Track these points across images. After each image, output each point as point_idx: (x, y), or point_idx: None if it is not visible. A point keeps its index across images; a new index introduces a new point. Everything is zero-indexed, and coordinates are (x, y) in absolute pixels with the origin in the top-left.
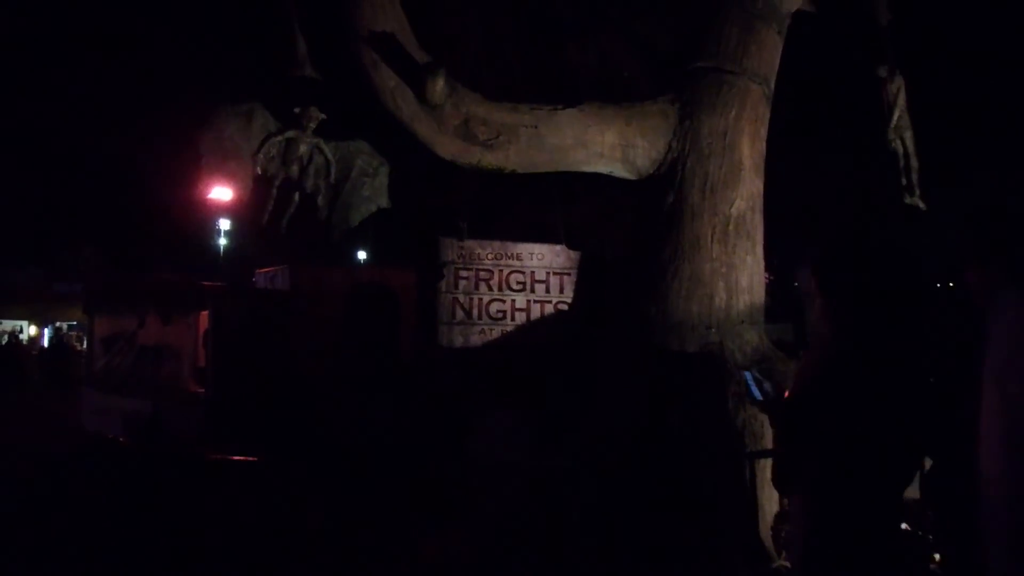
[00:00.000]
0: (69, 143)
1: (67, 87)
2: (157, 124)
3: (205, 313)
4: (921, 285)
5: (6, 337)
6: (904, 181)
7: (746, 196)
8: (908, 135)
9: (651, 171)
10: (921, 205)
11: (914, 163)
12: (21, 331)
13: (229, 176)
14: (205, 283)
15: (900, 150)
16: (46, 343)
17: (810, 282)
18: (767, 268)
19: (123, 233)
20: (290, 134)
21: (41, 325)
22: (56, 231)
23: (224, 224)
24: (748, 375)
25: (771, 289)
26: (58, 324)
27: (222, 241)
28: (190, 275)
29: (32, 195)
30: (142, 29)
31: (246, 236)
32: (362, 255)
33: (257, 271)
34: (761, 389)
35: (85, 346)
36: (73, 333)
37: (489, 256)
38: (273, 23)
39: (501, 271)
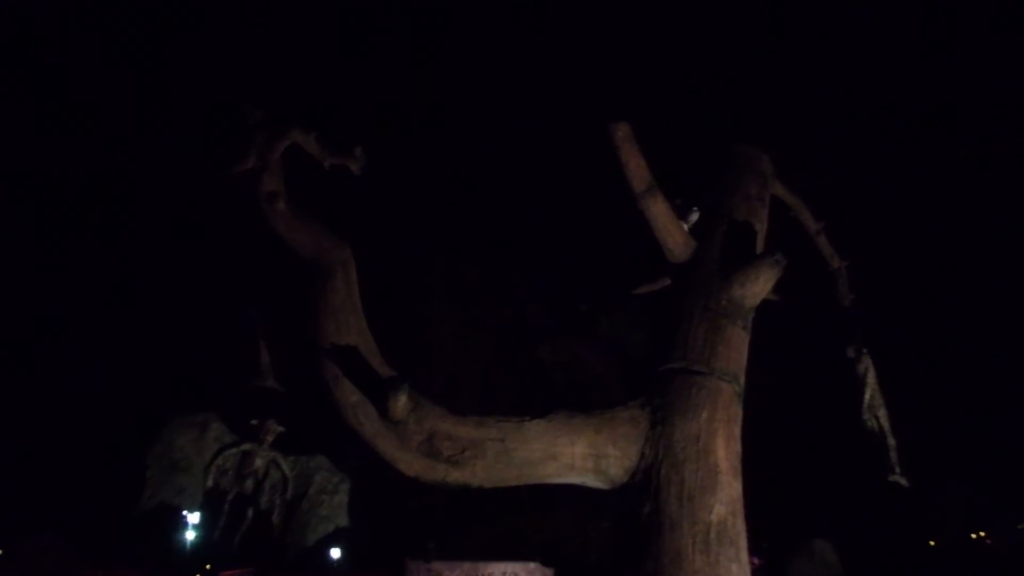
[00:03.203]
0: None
1: (28, 383)
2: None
3: None
4: None
5: None
6: (884, 459)
7: (725, 501)
8: (882, 413)
9: (625, 480)
10: (903, 482)
11: (891, 440)
12: None
13: (176, 491)
14: None
15: (876, 428)
16: None
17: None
18: (754, 552)
19: (87, 521)
20: (246, 447)
21: None
22: (16, 515)
23: (193, 517)
24: None
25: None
26: None
27: (189, 535)
28: (150, 573)
29: None
30: (100, 330)
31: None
32: (336, 553)
33: (221, 573)
34: None
35: None
36: None
37: None
38: (235, 333)
39: None
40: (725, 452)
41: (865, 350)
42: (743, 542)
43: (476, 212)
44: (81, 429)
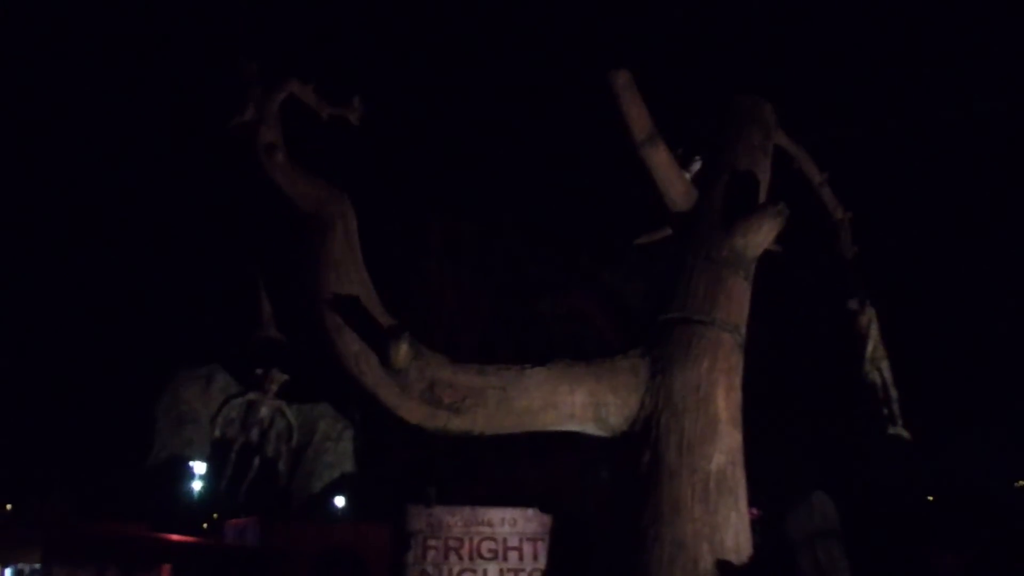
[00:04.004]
0: (40, 386)
1: (35, 342)
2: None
3: (168, 567)
4: None
5: None
6: (885, 411)
7: (725, 450)
8: (885, 365)
9: (624, 429)
10: (905, 435)
11: (893, 393)
12: None
13: (185, 443)
14: (168, 536)
15: (878, 381)
16: None
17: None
18: (753, 503)
19: (94, 476)
20: (251, 396)
21: (4, 565)
22: (23, 471)
23: (199, 467)
24: None
25: (757, 527)
26: (20, 566)
27: (196, 485)
28: (155, 524)
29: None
30: (103, 290)
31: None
32: (340, 501)
33: (227, 522)
34: None
35: None
36: None
37: (459, 524)
38: (237, 285)
39: (472, 539)
40: (725, 402)
41: (868, 302)
42: (742, 492)
43: (474, 165)
44: (87, 386)
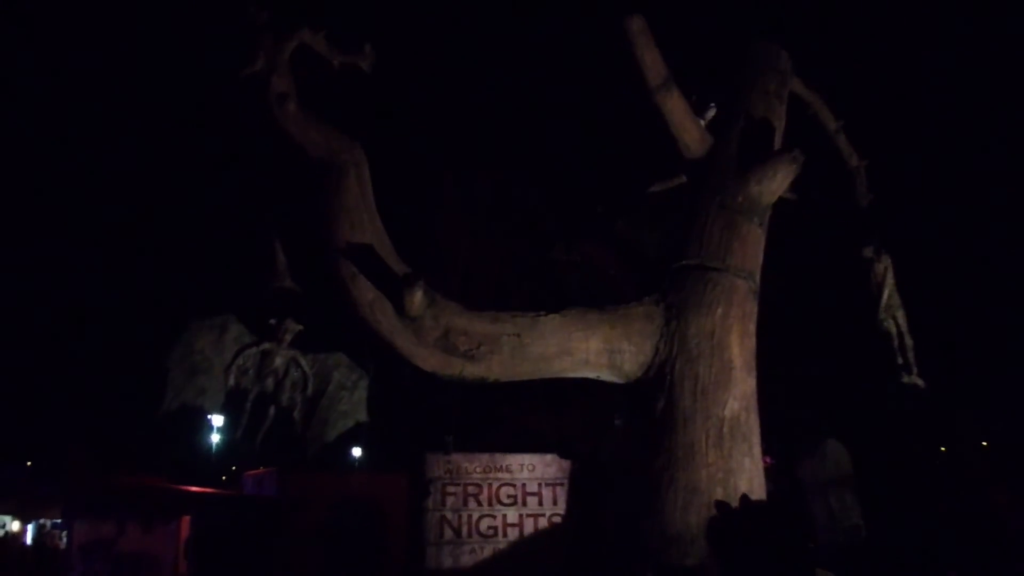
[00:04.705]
0: (56, 341)
1: (51, 295)
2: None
3: (187, 519)
4: None
5: None
6: (900, 360)
7: (739, 396)
8: (900, 314)
9: (639, 375)
10: (920, 383)
11: (908, 341)
12: (4, 526)
13: (198, 392)
14: (187, 488)
15: (893, 330)
16: (29, 540)
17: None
18: (766, 452)
19: (111, 431)
20: (265, 346)
21: (25, 521)
22: (42, 427)
23: (216, 420)
24: None
25: (771, 474)
26: (42, 521)
27: (214, 438)
28: (174, 477)
29: (18, 391)
30: (116, 241)
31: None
32: (357, 452)
33: (245, 474)
34: None
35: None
36: (56, 532)
37: (477, 470)
38: (251, 234)
39: (491, 485)
40: (739, 348)
41: (884, 250)
42: (756, 438)
43: (488, 114)
44: (100, 338)
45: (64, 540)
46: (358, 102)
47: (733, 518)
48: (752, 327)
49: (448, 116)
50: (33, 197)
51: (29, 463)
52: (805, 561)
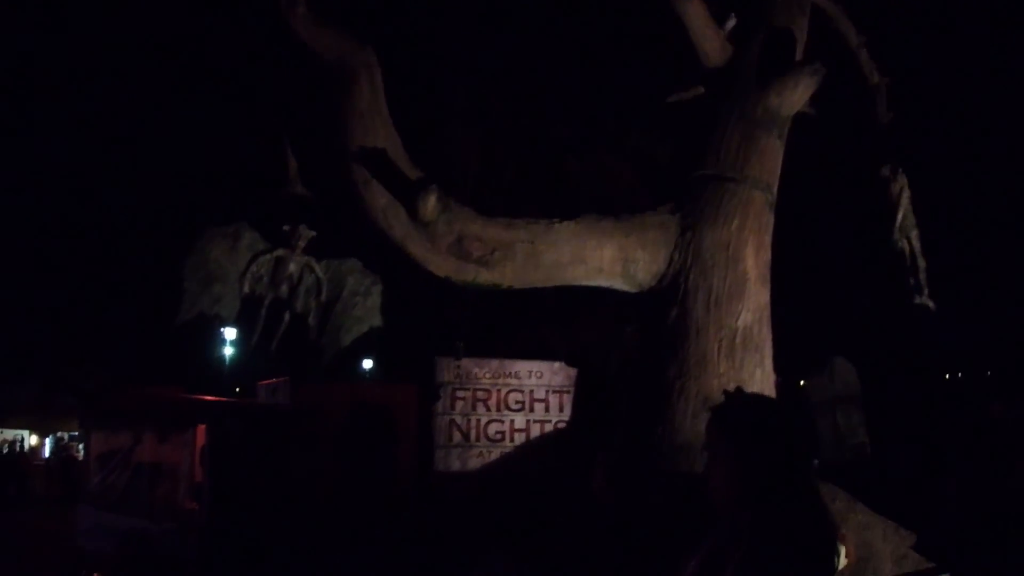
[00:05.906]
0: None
1: (64, 208)
2: (152, 240)
3: (202, 428)
4: None
5: (6, 447)
6: (912, 281)
7: (753, 308)
8: (914, 234)
9: (653, 285)
10: (931, 305)
11: (921, 262)
12: (22, 440)
13: (214, 300)
14: (202, 397)
15: (907, 250)
16: (47, 453)
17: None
18: (775, 369)
19: (126, 344)
20: (279, 253)
21: (42, 435)
22: (57, 342)
23: (229, 333)
24: None
25: (779, 391)
26: (60, 434)
27: (227, 351)
28: (189, 388)
29: (33, 307)
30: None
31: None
32: (368, 364)
33: (259, 383)
34: None
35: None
36: (73, 444)
37: (487, 375)
38: (262, 141)
39: (499, 390)
40: (754, 260)
41: (901, 169)
42: (768, 350)
43: (501, 23)
44: (114, 250)
45: (81, 451)
46: (370, 5)
47: (736, 405)
48: (768, 239)
49: (461, 23)
50: (47, 108)
51: (44, 378)
52: (807, 453)
